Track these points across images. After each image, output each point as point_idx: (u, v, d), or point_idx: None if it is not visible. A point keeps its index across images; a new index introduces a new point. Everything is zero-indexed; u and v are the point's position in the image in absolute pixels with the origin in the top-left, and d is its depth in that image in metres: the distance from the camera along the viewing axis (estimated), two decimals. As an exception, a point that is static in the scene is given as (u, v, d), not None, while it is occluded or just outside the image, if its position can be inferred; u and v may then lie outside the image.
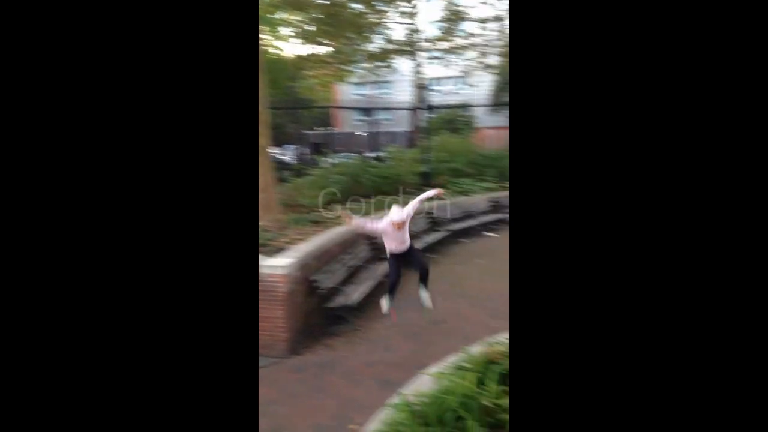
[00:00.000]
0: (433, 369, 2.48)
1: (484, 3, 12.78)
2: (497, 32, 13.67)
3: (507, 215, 8.46)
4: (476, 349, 2.49)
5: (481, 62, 14.59)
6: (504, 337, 2.60)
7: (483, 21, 13.17)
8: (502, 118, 16.76)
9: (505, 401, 1.94)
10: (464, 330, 4.18)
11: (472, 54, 14.46)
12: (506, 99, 19.49)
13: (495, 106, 17.20)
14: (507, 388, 1.99)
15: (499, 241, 7.69)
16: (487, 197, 9.08)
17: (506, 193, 9.04)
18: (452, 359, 2.51)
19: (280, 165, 11.14)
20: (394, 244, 3.76)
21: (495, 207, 8.93)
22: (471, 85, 16.93)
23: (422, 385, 2.32)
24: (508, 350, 2.35)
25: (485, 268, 6.13)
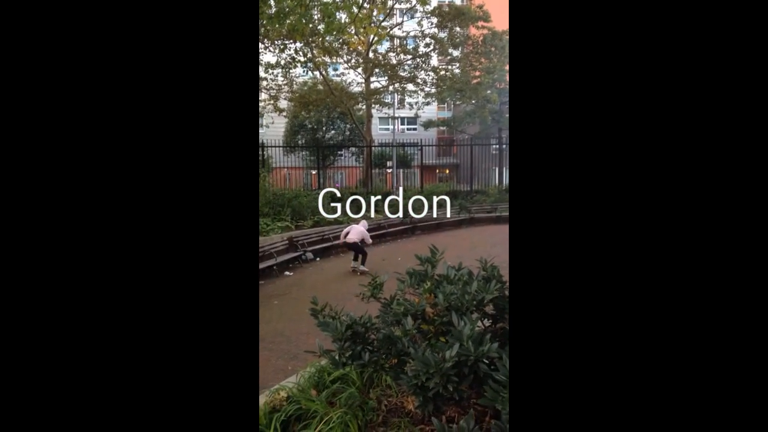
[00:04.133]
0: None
1: (266, 49, 13.05)
2: (284, 78, 14.90)
3: (302, 252, 8.95)
4: (261, 399, 2.36)
5: (272, 105, 15.80)
6: (293, 380, 2.60)
7: (271, 66, 13.53)
8: (296, 159, 19.04)
9: None
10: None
11: (262, 96, 15.56)
12: (299, 141, 20.51)
13: (289, 147, 18.72)
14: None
15: (294, 279, 7.80)
16: (282, 236, 9.50)
17: (301, 232, 9.91)
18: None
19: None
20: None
21: (291, 245, 9.26)
22: (265, 126, 17.61)
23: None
24: (290, 395, 2.32)
25: (282, 310, 5.97)
